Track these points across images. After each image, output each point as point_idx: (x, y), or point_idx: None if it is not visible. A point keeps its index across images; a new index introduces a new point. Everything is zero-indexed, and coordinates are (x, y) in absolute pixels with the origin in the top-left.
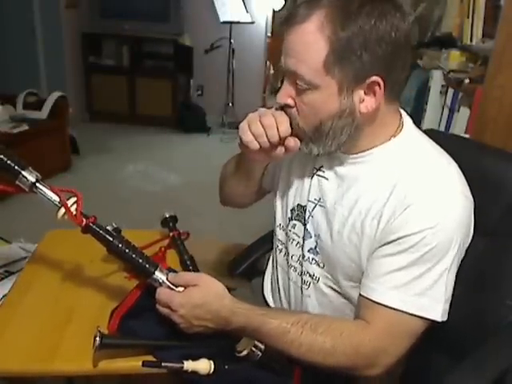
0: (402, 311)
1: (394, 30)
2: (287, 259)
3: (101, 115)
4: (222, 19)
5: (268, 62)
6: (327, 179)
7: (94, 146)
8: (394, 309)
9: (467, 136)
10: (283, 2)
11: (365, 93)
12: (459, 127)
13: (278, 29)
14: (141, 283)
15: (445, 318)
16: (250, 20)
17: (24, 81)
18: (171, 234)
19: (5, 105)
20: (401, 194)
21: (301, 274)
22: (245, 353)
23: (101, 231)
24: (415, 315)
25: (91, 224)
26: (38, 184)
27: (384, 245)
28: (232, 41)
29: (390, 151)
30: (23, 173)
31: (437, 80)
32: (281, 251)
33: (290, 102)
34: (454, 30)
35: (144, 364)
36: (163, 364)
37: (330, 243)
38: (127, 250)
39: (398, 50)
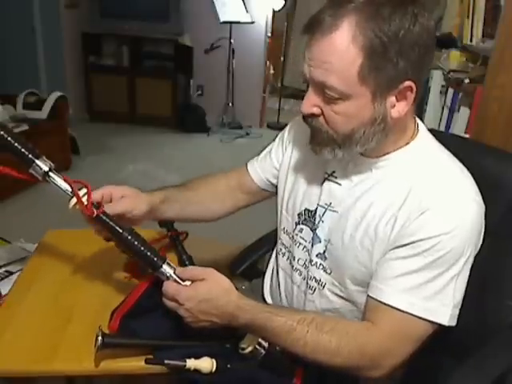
0: (410, 314)
1: (425, 32)
2: (291, 263)
3: (101, 115)
4: (221, 19)
5: (268, 62)
6: (340, 184)
7: (94, 145)
8: (402, 311)
9: (467, 136)
10: (283, 2)
11: (396, 98)
12: (459, 127)
13: (278, 29)
14: (142, 283)
15: (452, 323)
16: (250, 20)
17: (24, 81)
18: (169, 234)
19: (5, 105)
20: (416, 199)
21: (305, 279)
22: (248, 350)
23: (111, 222)
24: (422, 318)
25: (101, 215)
26: (50, 173)
27: (397, 247)
28: (232, 41)
29: (406, 156)
30: (37, 161)
31: (437, 80)
32: (284, 255)
33: (316, 111)
34: (454, 30)
35: (147, 361)
36: (166, 361)
37: (340, 247)
38: (136, 243)
39: (428, 52)
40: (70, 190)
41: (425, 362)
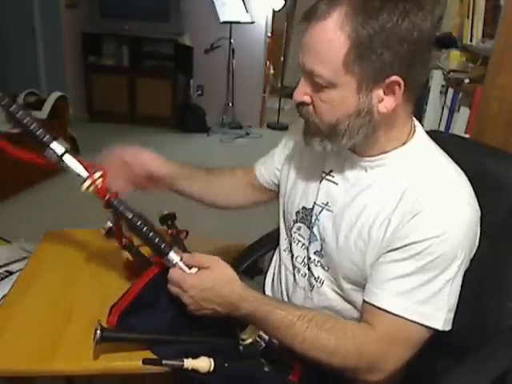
0: (404, 318)
1: (416, 30)
2: (292, 260)
3: (101, 115)
4: (221, 19)
5: (268, 62)
6: (336, 184)
7: (94, 146)
8: (396, 315)
9: (467, 136)
10: (283, 2)
11: (384, 92)
12: (459, 127)
13: (279, 28)
14: (141, 279)
15: (447, 328)
16: (250, 20)
17: (24, 81)
18: (170, 232)
19: None
20: (410, 201)
21: (305, 276)
22: (249, 341)
23: (121, 207)
24: (416, 322)
25: (113, 199)
26: (66, 155)
27: (390, 251)
28: (232, 41)
29: (402, 157)
30: (52, 144)
31: (437, 80)
32: (285, 251)
33: (307, 99)
34: (454, 30)
35: (144, 362)
36: (163, 362)
37: (335, 247)
38: (145, 228)
39: (419, 50)
40: (84, 172)
41: (424, 366)
